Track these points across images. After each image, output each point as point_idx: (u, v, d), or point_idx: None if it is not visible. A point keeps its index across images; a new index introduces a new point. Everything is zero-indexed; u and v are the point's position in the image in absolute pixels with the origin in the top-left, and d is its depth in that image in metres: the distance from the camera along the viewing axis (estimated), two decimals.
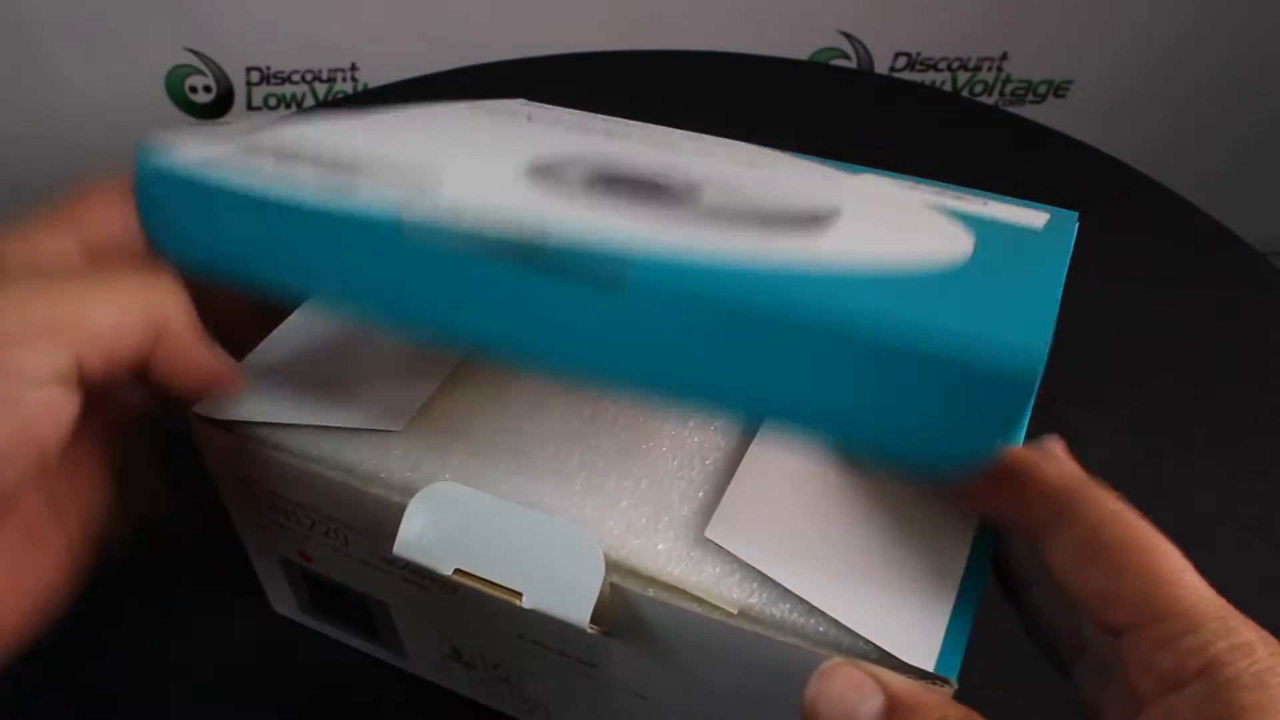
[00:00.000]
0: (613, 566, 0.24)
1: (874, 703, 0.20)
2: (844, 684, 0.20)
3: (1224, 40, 1.02)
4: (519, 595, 0.23)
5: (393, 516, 0.25)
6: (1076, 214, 0.27)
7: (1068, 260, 0.24)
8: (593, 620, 0.23)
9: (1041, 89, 1.15)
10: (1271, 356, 0.39)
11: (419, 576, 0.28)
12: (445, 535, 0.24)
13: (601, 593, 0.23)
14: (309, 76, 1.08)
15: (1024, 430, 0.24)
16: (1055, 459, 0.23)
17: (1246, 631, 0.19)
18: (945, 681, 0.21)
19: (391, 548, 0.24)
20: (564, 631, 0.25)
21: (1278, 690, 0.18)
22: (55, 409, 0.21)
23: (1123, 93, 1.13)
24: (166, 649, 0.36)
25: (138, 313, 0.22)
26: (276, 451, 0.27)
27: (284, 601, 0.35)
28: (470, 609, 0.27)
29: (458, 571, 0.24)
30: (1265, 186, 1.11)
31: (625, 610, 0.24)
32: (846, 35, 1.08)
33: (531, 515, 0.24)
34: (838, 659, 0.21)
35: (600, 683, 0.27)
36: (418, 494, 0.24)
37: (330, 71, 1.07)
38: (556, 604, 0.23)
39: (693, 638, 0.24)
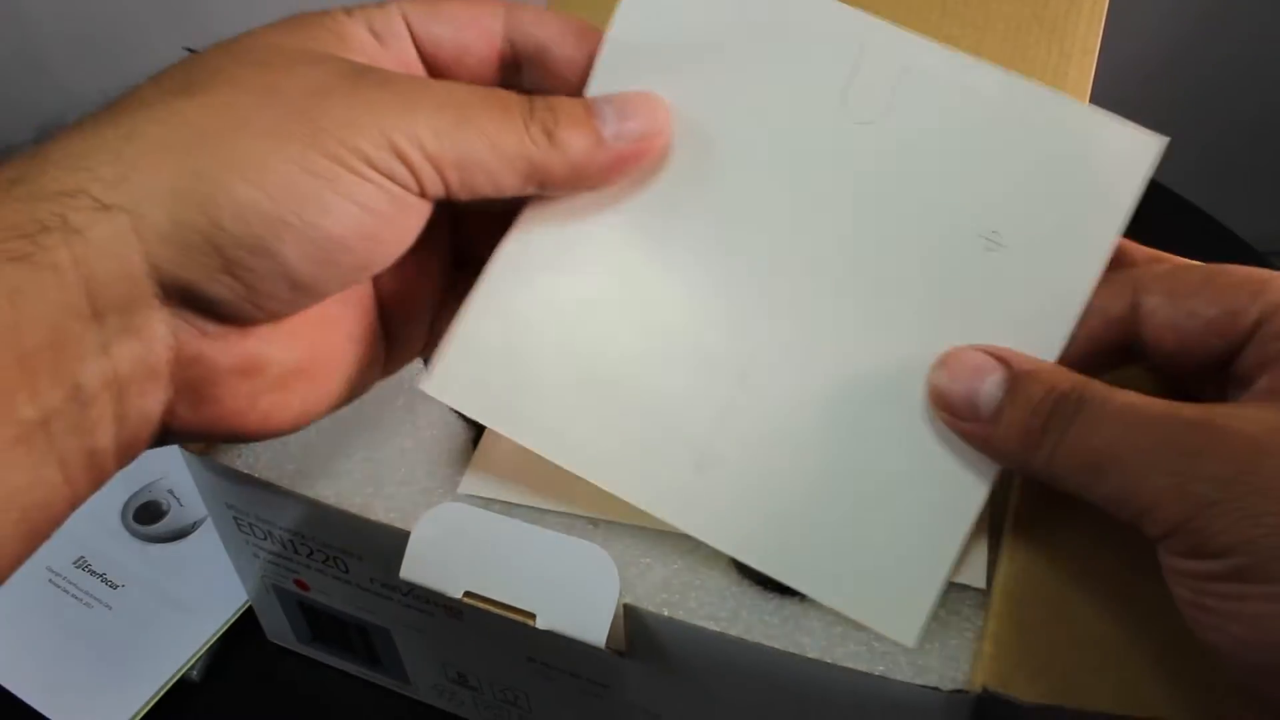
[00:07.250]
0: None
1: (996, 376, 0.21)
2: (965, 366, 0.21)
3: (1223, 39, 1.02)
4: (532, 616, 0.23)
5: (396, 541, 0.24)
6: None
7: None
8: (607, 640, 0.23)
9: None
10: None
11: (423, 601, 0.27)
12: (453, 557, 0.24)
13: (615, 612, 0.23)
14: None
15: None
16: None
17: None
18: None
19: (394, 572, 0.24)
20: (577, 652, 0.24)
21: None
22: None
23: (1122, 92, 1.12)
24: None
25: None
26: (270, 480, 0.26)
27: (279, 631, 0.34)
28: (477, 632, 0.27)
29: (468, 594, 0.23)
30: (1265, 186, 1.11)
31: (639, 629, 0.24)
32: None
33: (542, 533, 0.24)
34: (959, 346, 0.22)
35: (613, 704, 0.27)
36: (423, 516, 0.24)
37: None
38: (572, 624, 0.23)
39: (709, 655, 0.24)
